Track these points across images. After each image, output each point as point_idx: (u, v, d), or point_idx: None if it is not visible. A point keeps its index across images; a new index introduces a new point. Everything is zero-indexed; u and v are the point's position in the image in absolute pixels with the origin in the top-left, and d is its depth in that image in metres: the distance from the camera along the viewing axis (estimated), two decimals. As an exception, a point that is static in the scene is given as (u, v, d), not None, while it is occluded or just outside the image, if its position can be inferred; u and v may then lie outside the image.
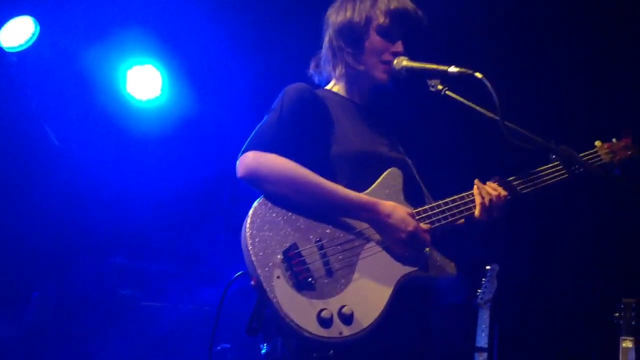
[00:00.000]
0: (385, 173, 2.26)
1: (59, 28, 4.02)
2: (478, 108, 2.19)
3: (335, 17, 2.43)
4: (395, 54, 2.35)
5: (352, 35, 2.36)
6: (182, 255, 4.28)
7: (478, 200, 2.26)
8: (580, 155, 2.39)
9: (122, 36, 4.22)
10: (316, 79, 2.52)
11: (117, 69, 4.40)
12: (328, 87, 2.48)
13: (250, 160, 2.16)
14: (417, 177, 2.38)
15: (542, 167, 2.35)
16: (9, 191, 3.98)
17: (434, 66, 2.26)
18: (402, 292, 2.12)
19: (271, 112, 2.27)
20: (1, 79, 3.95)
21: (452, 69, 2.20)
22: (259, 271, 2.01)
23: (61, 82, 4.08)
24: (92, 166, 4.13)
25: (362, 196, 2.17)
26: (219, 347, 3.72)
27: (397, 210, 2.16)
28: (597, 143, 2.47)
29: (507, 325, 3.87)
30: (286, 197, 2.13)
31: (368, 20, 2.36)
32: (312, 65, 2.52)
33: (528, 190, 2.32)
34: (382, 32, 2.36)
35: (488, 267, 3.69)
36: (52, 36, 4.01)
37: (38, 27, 3.98)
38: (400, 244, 2.15)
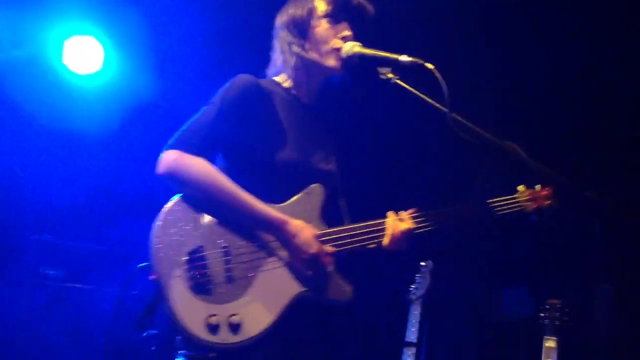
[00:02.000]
0: (306, 189, 2.30)
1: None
2: (426, 99, 2.19)
3: (281, 18, 2.46)
4: (345, 38, 2.36)
5: (299, 28, 2.38)
6: (113, 237, 4.13)
7: (389, 231, 2.33)
8: (501, 199, 2.48)
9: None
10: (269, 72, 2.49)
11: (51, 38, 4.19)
12: (279, 79, 2.46)
13: (171, 161, 2.17)
14: (340, 194, 2.42)
15: (460, 205, 2.43)
16: None
17: (386, 54, 2.26)
18: (297, 308, 2.19)
19: (208, 107, 2.26)
20: None
21: (404, 57, 2.20)
22: (159, 267, 2.07)
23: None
24: (22, 143, 3.94)
25: (273, 212, 2.21)
26: (145, 334, 3.60)
27: (303, 231, 2.21)
28: (520, 188, 2.55)
29: (436, 322, 3.92)
30: (201, 202, 2.17)
31: (311, 10, 2.39)
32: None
33: (440, 227, 2.39)
34: (327, 18, 2.37)
35: (422, 264, 3.73)
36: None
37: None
38: (302, 263, 2.21)
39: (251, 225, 2.20)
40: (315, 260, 2.20)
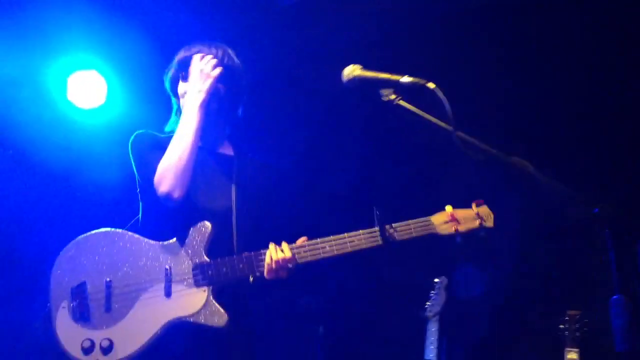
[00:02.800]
0: (194, 227, 2.51)
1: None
2: (431, 118, 2.18)
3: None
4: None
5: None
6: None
7: (267, 260, 2.49)
8: (404, 223, 2.50)
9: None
10: None
11: (56, 74, 4.23)
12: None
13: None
14: (234, 229, 2.57)
15: (356, 232, 2.48)
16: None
17: (387, 76, 2.27)
18: (172, 332, 2.43)
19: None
20: None
21: (405, 78, 2.21)
22: (51, 300, 2.47)
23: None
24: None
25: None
26: None
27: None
28: (448, 208, 2.54)
29: (455, 338, 3.88)
30: (94, 241, 2.52)
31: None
32: None
33: (328, 254, 2.49)
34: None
35: (436, 280, 3.70)
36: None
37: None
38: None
39: (135, 260, 2.47)
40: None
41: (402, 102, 2.24)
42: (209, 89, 2.58)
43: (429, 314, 3.60)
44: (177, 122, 2.65)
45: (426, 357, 3.49)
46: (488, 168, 2.19)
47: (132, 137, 2.62)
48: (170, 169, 2.48)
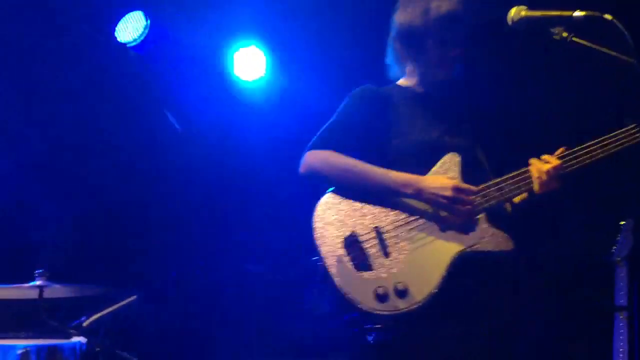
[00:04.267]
0: (440, 160, 2.40)
1: (167, 21, 4.22)
2: (611, 52, 2.07)
3: (397, 19, 2.56)
4: (453, 58, 2.48)
5: (410, 41, 2.51)
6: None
7: (535, 174, 2.36)
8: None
9: (227, 19, 4.33)
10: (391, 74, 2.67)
11: (224, 52, 4.56)
12: (399, 82, 2.63)
13: (305, 160, 2.45)
14: (483, 162, 2.46)
15: (614, 133, 2.35)
16: (137, 175, 4.28)
17: (557, 13, 2.20)
18: (460, 267, 2.28)
19: (334, 115, 2.52)
20: (121, 72, 4.20)
21: (577, 13, 2.12)
22: (323, 257, 2.32)
23: (176, 70, 4.29)
24: (210, 147, 4.30)
25: (405, 174, 2.36)
26: (347, 317, 3.77)
27: (438, 178, 2.35)
28: None
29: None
30: (341, 187, 2.40)
31: (424, 25, 2.47)
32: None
33: (591, 159, 2.36)
34: (438, 37, 2.46)
35: (622, 223, 3.50)
36: (161, 28, 4.22)
37: (148, 21, 4.20)
38: (449, 212, 2.31)
39: (391, 195, 2.36)
40: (456, 199, 2.30)
41: (576, 39, 2.17)
42: None
43: (616, 258, 3.43)
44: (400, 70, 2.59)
45: (617, 303, 3.34)
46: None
47: (355, 90, 2.55)
48: (333, 171, 2.41)
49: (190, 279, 4.14)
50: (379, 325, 2.28)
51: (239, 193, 4.38)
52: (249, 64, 4.71)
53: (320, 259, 2.32)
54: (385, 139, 2.45)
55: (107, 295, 3.70)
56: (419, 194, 2.34)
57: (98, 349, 3.42)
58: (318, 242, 2.34)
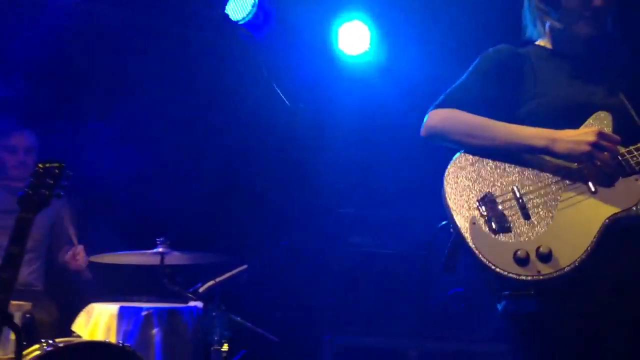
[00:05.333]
0: (590, 118, 2.20)
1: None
2: None
3: None
4: (596, 9, 2.26)
5: None
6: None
7: None
8: None
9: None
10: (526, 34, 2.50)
11: (329, 27, 4.62)
12: (537, 42, 2.44)
13: (427, 120, 2.31)
14: (638, 124, 2.21)
15: None
16: (249, 149, 4.42)
17: None
18: (611, 233, 2.06)
19: (465, 73, 2.37)
20: (232, 49, 4.35)
21: None
22: (456, 219, 2.16)
23: (284, 47, 4.39)
24: (316, 121, 4.39)
25: (545, 130, 2.17)
26: (452, 291, 3.78)
27: (580, 129, 2.15)
28: None
29: None
30: (469, 146, 2.24)
31: None
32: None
33: None
34: None
35: None
36: (268, 4, 4.33)
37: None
38: (592, 161, 2.10)
39: (531, 154, 2.20)
40: (598, 145, 2.09)
41: None
42: None
43: None
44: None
45: None
46: None
47: (488, 50, 2.39)
48: (460, 128, 2.26)
49: (298, 249, 4.26)
50: (517, 292, 2.10)
51: (346, 166, 4.45)
52: (353, 38, 4.75)
53: (452, 223, 2.17)
54: (520, 100, 2.29)
55: (221, 263, 3.87)
56: (555, 144, 2.14)
57: (214, 314, 3.61)
58: (449, 205, 2.18)
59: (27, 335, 2.99)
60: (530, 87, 2.29)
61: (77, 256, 3.94)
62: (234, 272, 3.90)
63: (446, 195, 2.21)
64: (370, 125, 4.54)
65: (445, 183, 2.22)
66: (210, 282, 3.79)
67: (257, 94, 4.27)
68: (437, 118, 2.29)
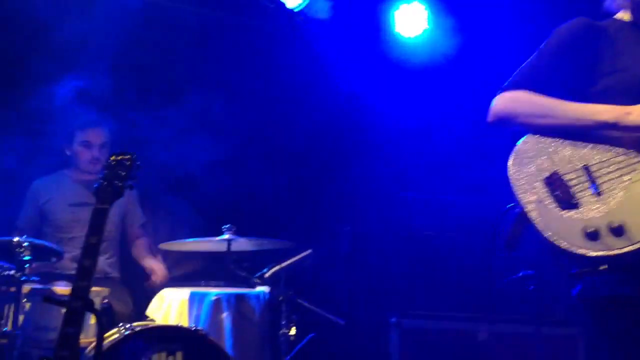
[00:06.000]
0: None
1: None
2: None
3: None
4: None
5: None
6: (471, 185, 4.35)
7: None
8: None
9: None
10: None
11: (386, 10, 4.61)
12: (617, 15, 2.35)
13: (494, 104, 2.26)
14: None
15: None
16: (313, 136, 4.49)
17: None
18: None
19: (536, 52, 2.29)
20: (288, 36, 4.39)
21: None
22: (522, 198, 2.14)
23: (340, 33, 4.41)
24: (376, 106, 4.39)
25: (615, 107, 2.13)
26: (520, 274, 3.72)
27: None
28: None
29: None
30: (539, 127, 2.20)
31: None
32: None
33: None
34: None
35: None
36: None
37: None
38: None
39: (601, 131, 2.15)
40: None
41: None
42: None
43: None
44: None
45: None
46: None
47: (564, 24, 2.30)
48: (526, 110, 2.22)
49: (362, 234, 4.29)
50: (588, 269, 2.07)
51: (408, 150, 4.44)
52: (411, 20, 4.70)
53: (519, 203, 2.15)
54: (596, 76, 2.23)
55: (286, 249, 3.94)
56: (627, 117, 2.11)
57: (281, 298, 3.68)
58: (515, 184, 2.17)
59: (106, 320, 3.13)
60: (608, 62, 2.22)
61: (159, 272, 4.08)
62: (298, 257, 3.96)
63: (512, 176, 2.19)
64: (431, 108, 4.50)
65: (511, 164, 2.21)
66: (276, 267, 3.87)
67: (315, 81, 4.30)
68: (505, 102, 2.26)
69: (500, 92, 2.28)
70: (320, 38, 4.32)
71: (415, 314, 3.89)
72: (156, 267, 4.11)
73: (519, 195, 2.15)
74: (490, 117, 2.29)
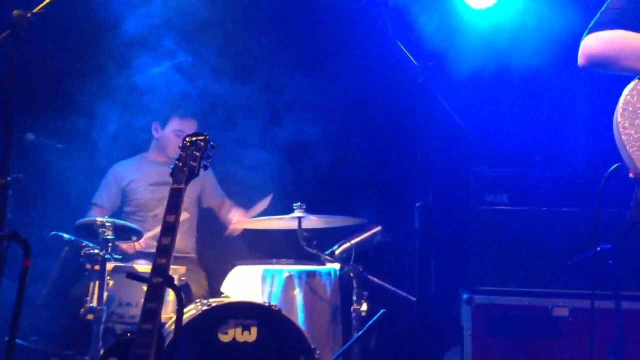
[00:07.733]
0: None
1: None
2: None
3: None
4: None
5: None
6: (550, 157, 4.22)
7: None
8: None
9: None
10: None
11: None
12: None
13: (584, 46, 2.04)
14: None
15: None
16: (382, 111, 4.48)
17: None
18: None
19: None
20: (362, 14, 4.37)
21: None
22: (631, 156, 1.92)
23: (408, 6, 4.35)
24: (447, 80, 4.32)
25: None
26: (598, 248, 3.59)
27: None
28: None
29: None
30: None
31: None
32: None
33: None
34: None
35: None
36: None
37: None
38: None
39: None
40: None
41: None
42: None
43: None
44: None
45: None
46: None
47: None
48: (624, 49, 1.99)
49: (435, 209, 4.25)
50: None
51: (478, 124, 4.35)
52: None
53: (628, 162, 1.94)
54: None
55: (356, 225, 3.95)
56: None
57: (352, 274, 3.71)
58: (629, 143, 1.91)
59: (184, 296, 3.24)
60: None
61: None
62: (368, 233, 3.98)
63: (621, 139, 1.94)
64: (502, 82, 4.38)
65: (618, 124, 1.94)
66: (346, 244, 3.90)
67: (384, 55, 4.26)
68: (599, 43, 2.02)
69: (588, 34, 2.05)
70: (389, 11, 4.27)
71: (487, 290, 3.83)
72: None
73: (629, 152, 1.91)
74: (582, 60, 2.06)
